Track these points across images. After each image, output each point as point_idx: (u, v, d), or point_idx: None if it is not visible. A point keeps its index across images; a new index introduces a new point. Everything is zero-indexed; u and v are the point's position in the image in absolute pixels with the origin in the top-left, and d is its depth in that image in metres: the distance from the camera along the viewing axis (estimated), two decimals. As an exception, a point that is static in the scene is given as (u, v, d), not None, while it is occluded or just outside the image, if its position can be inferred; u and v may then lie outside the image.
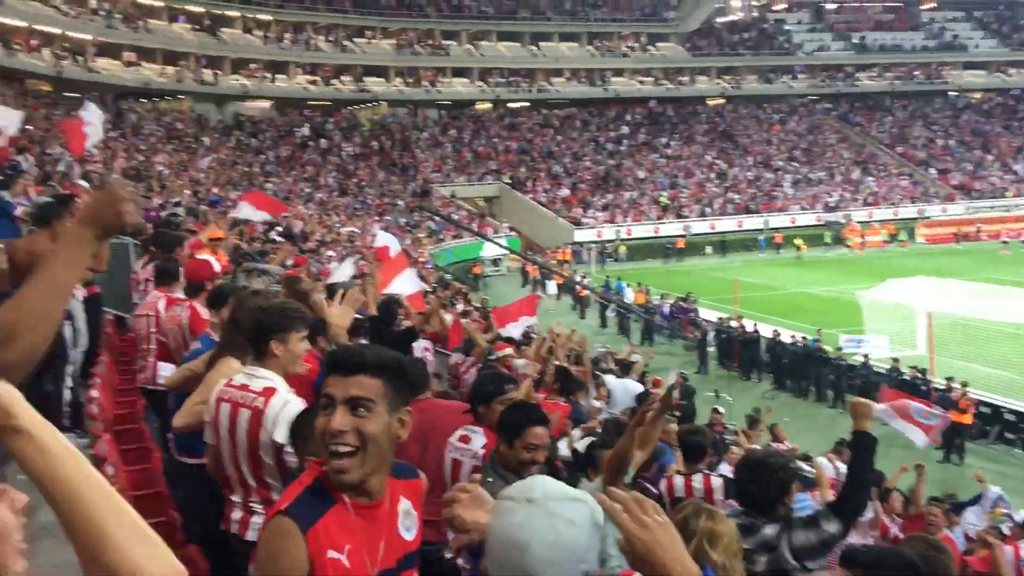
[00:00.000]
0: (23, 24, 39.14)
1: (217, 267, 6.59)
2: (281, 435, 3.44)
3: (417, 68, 52.71)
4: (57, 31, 40.64)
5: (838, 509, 3.81)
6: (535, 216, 45.94)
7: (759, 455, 4.05)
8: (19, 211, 7.95)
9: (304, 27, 50.28)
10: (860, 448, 3.98)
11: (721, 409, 13.87)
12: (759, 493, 3.73)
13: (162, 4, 45.60)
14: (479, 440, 4.44)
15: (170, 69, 44.89)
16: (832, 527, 3.70)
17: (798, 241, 43.03)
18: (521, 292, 36.22)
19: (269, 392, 3.51)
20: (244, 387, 3.56)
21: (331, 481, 2.09)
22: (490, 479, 3.64)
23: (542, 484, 1.78)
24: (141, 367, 6.48)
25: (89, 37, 41.79)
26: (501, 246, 40.52)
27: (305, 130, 48.56)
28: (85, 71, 40.46)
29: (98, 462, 5.45)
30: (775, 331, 23.54)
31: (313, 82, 50.02)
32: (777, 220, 46.81)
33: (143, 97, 44.00)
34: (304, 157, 46.06)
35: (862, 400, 4.12)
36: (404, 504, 2.26)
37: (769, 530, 3.65)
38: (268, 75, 48.71)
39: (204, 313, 5.45)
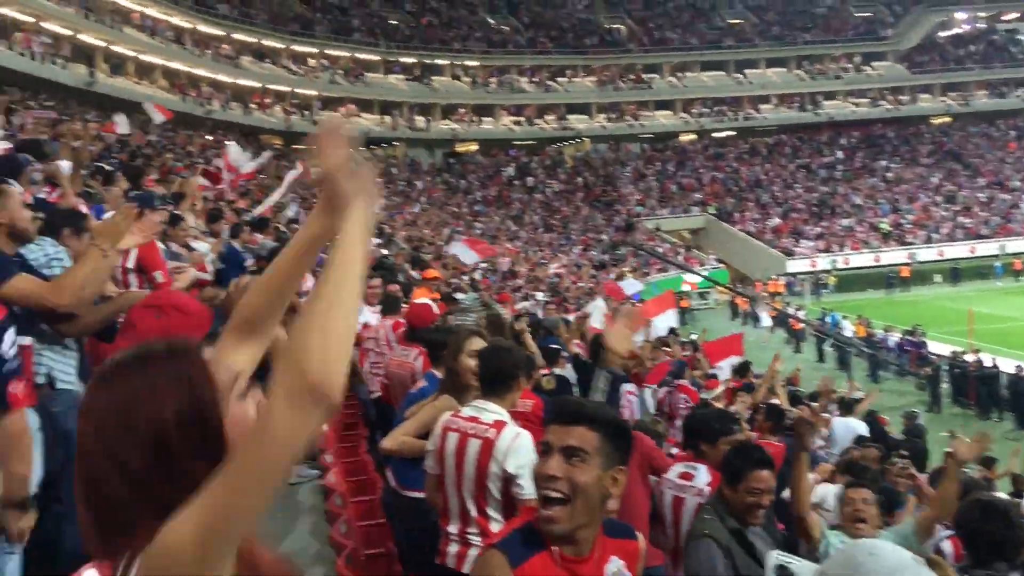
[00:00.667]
0: (258, 85, 43.05)
1: (437, 310, 6.87)
2: (513, 465, 3.50)
3: (619, 103, 52.93)
4: (287, 89, 44.32)
5: None
6: (744, 247, 44.60)
7: (990, 498, 3.70)
8: (249, 262, 7.95)
9: (509, 70, 51.84)
10: None
11: (958, 451, 12.64)
12: (1007, 538, 3.42)
13: (378, 58, 48.56)
14: (703, 476, 4.37)
15: (386, 118, 47.62)
16: None
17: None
18: (730, 326, 35.16)
19: (500, 424, 3.62)
20: (474, 419, 3.67)
21: (541, 529, 2.17)
22: (707, 516, 3.63)
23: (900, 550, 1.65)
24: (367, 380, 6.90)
25: (314, 93, 45.24)
26: (705, 278, 39.61)
27: (511, 169, 49.89)
28: (311, 124, 43.71)
29: (328, 492, 5.68)
30: (1018, 366, 21.39)
31: (518, 122, 51.35)
32: (1015, 245, 42.87)
33: (362, 146, 46.81)
34: (510, 196, 47.27)
35: None
36: (614, 564, 2.26)
37: None
38: (475, 118, 50.54)
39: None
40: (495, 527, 3.47)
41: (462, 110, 50.29)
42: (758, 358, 21.47)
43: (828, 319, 30.40)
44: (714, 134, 54.10)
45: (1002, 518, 3.41)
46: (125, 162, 12.91)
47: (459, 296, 11.60)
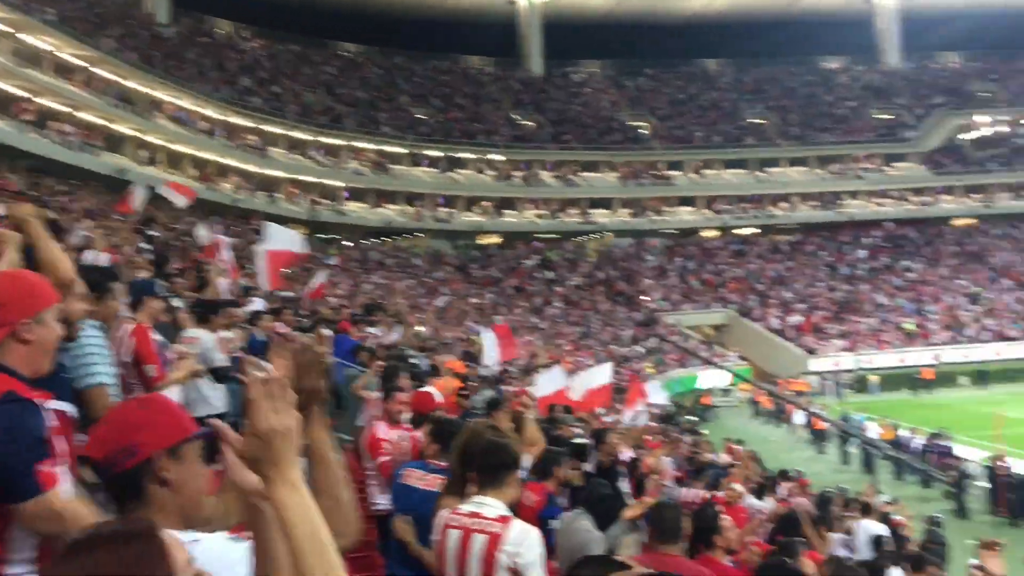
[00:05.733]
0: (285, 175, 44.03)
1: (439, 398, 6.76)
2: (523, 560, 3.46)
3: (641, 199, 53.42)
4: (314, 180, 45.33)
5: None
6: (766, 344, 44.16)
7: None
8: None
9: (533, 164, 52.60)
10: None
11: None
12: None
13: (405, 151, 49.46)
14: None
15: (409, 209, 48.30)
16: None
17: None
18: (752, 423, 34.55)
19: (505, 519, 3.59)
20: (475, 515, 3.62)
21: None
22: None
23: None
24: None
25: (341, 184, 46.15)
26: (731, 372, 39.24)
27: (532, 261, 50.09)
28: (336, 214, 44.62)
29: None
30: (1051, 473, 20.66)
31: (541, 215, 51.86)
32: (1043, 348, 42.17)
33: (385, 236, 47.52)
34: (531, 288, 47.28)
35: None
36: None
37: None
38: (499, 211, 51.15)
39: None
40: None
41: (485, 202, 50.90)
42: (787, 460, 21.02)
43: (854, 420, 29.67)
44: (736, 231, 54.26)
45: None
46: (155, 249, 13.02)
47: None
